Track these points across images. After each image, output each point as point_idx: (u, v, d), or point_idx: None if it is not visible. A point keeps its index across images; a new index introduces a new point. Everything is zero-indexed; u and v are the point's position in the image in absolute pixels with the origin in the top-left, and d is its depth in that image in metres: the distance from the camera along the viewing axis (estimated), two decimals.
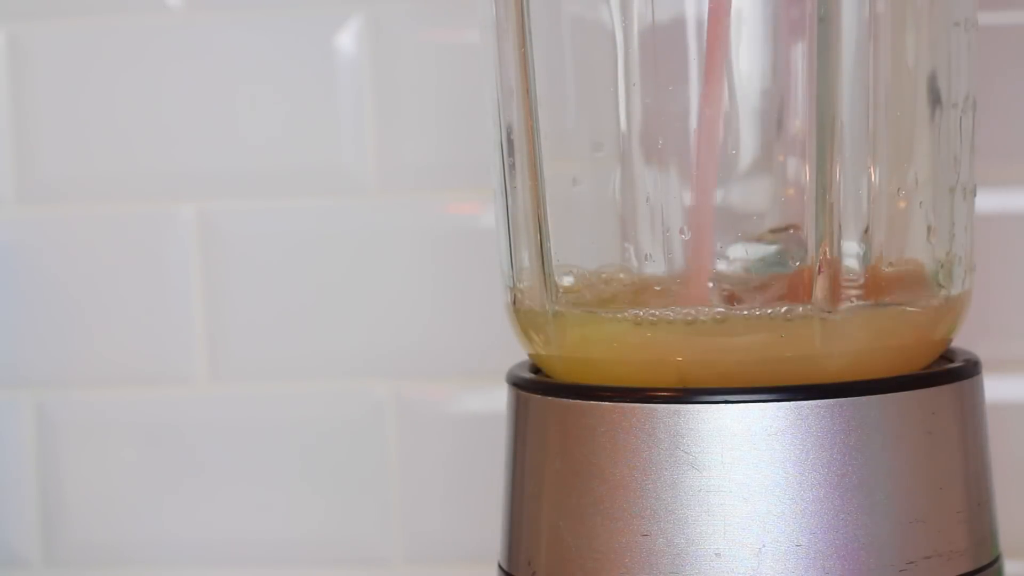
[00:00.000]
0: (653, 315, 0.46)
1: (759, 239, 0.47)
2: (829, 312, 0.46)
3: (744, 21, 0.47)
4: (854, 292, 0.46)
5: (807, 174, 0.47)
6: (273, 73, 0.71)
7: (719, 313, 0.46)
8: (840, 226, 0.46)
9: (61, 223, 0.73)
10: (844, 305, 0.46)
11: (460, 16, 0.69)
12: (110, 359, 0.73)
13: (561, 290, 0.49)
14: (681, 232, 0.48)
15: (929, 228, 0.49)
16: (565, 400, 0.47)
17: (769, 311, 0.46)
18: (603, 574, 0.46)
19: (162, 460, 0.73)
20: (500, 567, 0.50)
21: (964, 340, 0.51)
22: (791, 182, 0.47)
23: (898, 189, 0.48)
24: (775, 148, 0.48)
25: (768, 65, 0.47)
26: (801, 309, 0.46)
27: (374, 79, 0.70)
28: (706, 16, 0.47)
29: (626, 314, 0.47)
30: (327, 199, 0.71)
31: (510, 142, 0.50)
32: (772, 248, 0.48)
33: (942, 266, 0.49)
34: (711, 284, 0.47)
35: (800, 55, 0.47)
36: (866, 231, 0.48)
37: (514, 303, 0.51)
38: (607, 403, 0.46)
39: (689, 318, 0.46)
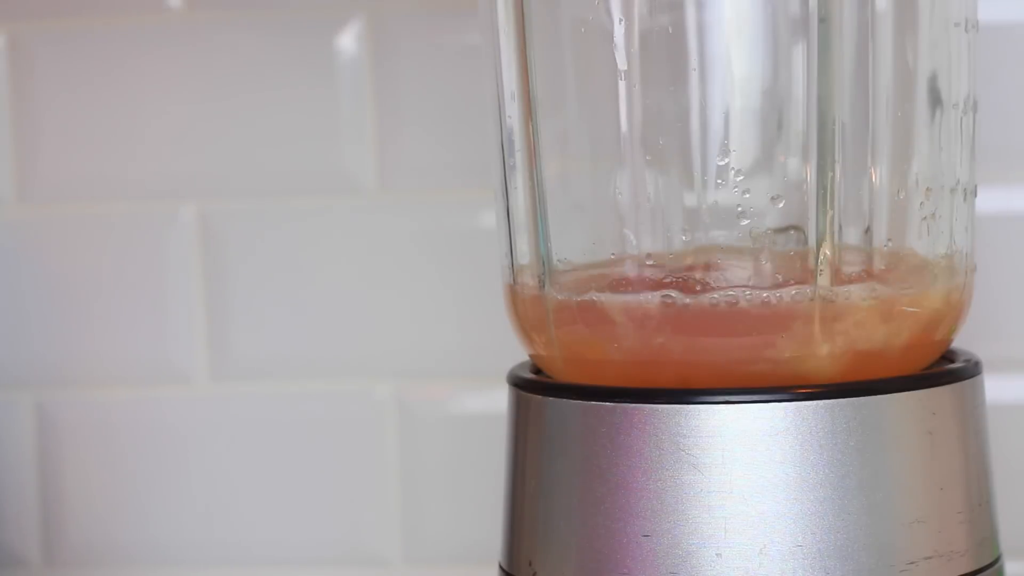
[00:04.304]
0: (650, 300, 0.46)
1: (760, 239, 0.47)
2: (830, 312, 0.46)
3: (744, 21, 0.47)
4: (854, 292, 0.46)
5: (807, 174, 0.47)
6: (274, 73, 0.71)
7: (719, 295, 0.46)
8: (840, 226, 0.46)
9: (61, 223, 0.73)
10: (844, 306, 0.46)
11: (461, 17, 0.69)
12: (110, 359, 0.73)
13: (559, 287, 0.49)
14: (681, 232, 0.48)
15: (929, 228, 0.49)
16: (565, 400, 0.47)
17: (767, 294, 0.46)
18: (603, 574, 0.46)
19: (162, 460, 0.73)
20: (501, 567, 0.50)
21: (964, 340, 0.51)
22: (791, 182, 0.47)
23: (898, 189, 0.48)
24: (775, 148, 0.48)
25: (768, 65, 0.47)
26: (801, 298, 0.46)
27: (375, 80, 0.70)
28: (706, 17, 0.47)
29: (624, 297, 0.47)
30: (327, 199, 0.71)
31: (510, 142, 0.50)
32: (773, 248, 0.48)
33: (942, 266, 0.49)
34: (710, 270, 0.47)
35: (800, 55, 0.46)
36: (866, 231, 0.48)
37: (514, 303, 0.51)
38: (607, 403, 0.46)
39: (687, 300, 0.46)
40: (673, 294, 0.46)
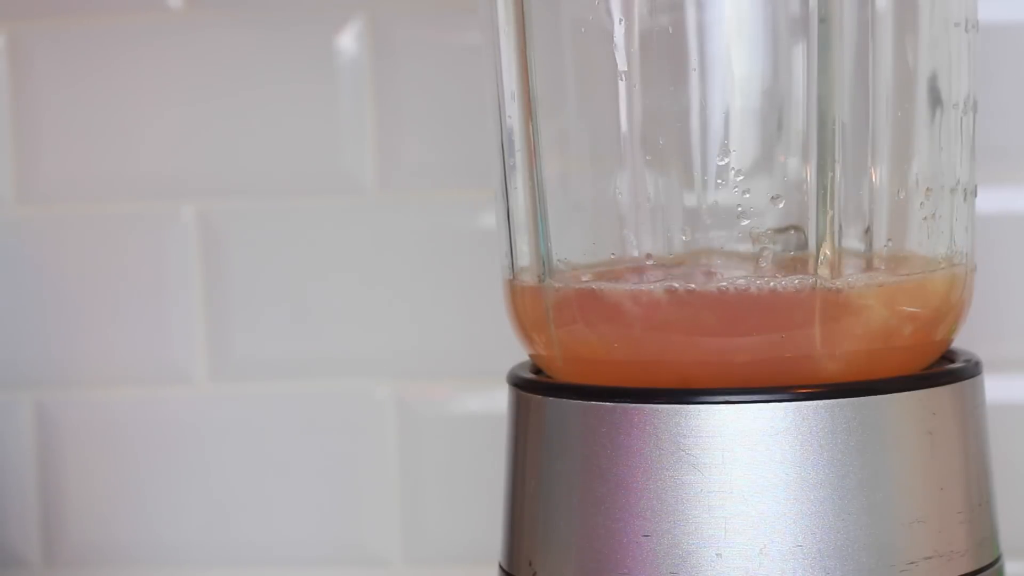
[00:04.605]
0: (652, 288, 0.46)
1: (760, 239, 0.47)
2: (831, 309, 0.46)
3: (744, 21, 0.47)
4: (855, 291, 0.46)
5: (807, 174, 0.47)
6: (273, 73, 0.71)
7: (726, 283, 0.46)
8: (841, 226, 0.46)
9: (61, 223, 0.73)
10: (845, 304, 0.46)
11: (461, 17, 0.69)
12: (110, 359, 0.73)
13: (558, 288, 0.49)
14: (682, 232, 0.48)
15: (929, 228, 0.49)
16: (565, 400, 0.47)
17: (773, 284, 0.46)
18: (603, 574, 0.46)
19: (162, 460, 0.73)
20: (501, 567, 0.50)
21: (964, 340, 0.51)
22: (791, 182, 0.47)
23: (898, 189, 0.48)
24: (775, 148, 0.48)
25: (768, 65, 0.47)
26: (802, 296, 0.46)
27: (375, 80, 0.70)
28: (706, 17, 0.47)
29: (626, 287, 0.47)
30: (327, 199, 0.71)
31: (510, 142, 0.50)
32: (773, 248, 0.48)
33: (942, 266, 0.49)
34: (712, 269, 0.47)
35: (800, 55, 0.47)
36: (866, 231, 0.48)
37: (514, 303, 0.51)
38: (607, 403, 0.46)
39: (689, 288, 0.46)
40: (676, 284, 0.46)
